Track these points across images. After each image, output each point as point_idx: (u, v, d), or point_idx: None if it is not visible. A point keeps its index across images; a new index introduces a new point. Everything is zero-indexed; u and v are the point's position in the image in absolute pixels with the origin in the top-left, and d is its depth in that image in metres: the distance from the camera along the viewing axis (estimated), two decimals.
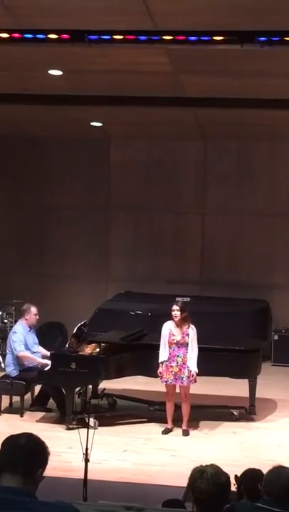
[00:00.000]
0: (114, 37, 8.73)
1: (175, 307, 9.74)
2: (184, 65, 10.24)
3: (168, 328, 9.73)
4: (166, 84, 11.13)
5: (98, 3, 8.07)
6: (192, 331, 9.67)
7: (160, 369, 9.67)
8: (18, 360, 10.39)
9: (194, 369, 9.58)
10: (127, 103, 12.20)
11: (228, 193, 15.42)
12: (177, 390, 9.82)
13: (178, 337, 9.66)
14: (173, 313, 9.69)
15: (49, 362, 10.08)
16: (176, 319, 9.68)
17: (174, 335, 9.68)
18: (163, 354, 9.67)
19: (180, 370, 9.63)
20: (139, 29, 8.70)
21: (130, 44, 8.91)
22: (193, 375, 9.59)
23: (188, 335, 9.65)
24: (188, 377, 9.60)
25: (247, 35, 8.49)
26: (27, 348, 10.49)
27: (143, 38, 8.74)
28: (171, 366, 9.65)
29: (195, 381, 9.67)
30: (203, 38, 8.58)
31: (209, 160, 15.53)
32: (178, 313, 9.67)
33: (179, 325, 9.70)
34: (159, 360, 9.67)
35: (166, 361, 9.66)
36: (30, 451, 2.83)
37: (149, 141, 15.54)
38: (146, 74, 10.68)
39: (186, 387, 9.71)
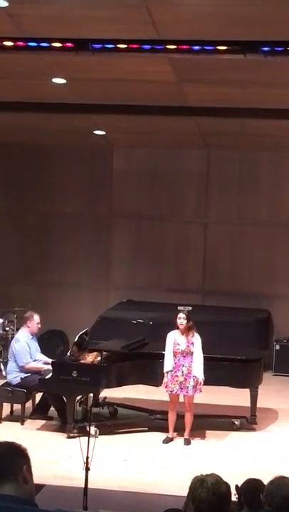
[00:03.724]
0: (117, 46, 8.76)
1: (181, 315, 9.73)
2: (187, 75, 10.26)
3: (172, 337, 9.72)
4: (170, 93, 11.15)
5: (102, 12, 8.09)
6: (196, 340, 9.66)
7: (165, 379, 9.64)
8: (23, 369, 10.38)
9: (201, 376, 9.56)
10: (130, 112, 12.23)
11: (230, 203, 15.43)
12: (181, 400, 9.80)
13: (182, 346, 9.65)
14: (179, 321, 9.68)
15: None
16: (181, 327, 9.66)
17: (178, 344, 9.66)
18: (168, 364, 9.64)
19: (185, 379, 9.60)
20: (143, 38, 8.72)
21: (134, 53, 8.94)
22: (200, 383, 9.57)
23: (192, 343, 9.64)
24: (194, 387, 9.58)
25: (250, 45, 8.52)
26: (30, 356, 10.49)
27: (146, 47, 8.77)
28: (177, 376, 9.63)
29: (200, 390, 9.66)
30: (206, 48, 8.61)
31: (211, 169, 15.54)
32: (184, 322, 9.65)
33: (183, 334, 9.68)
34: (164, 370, 9.64)
35: (172, 371, 9.63)
36: (4, 455, 2.80)
37: (151, 149, 15.56)
38: (150, 83, 10.71)
39: (191, 397, 9.69)
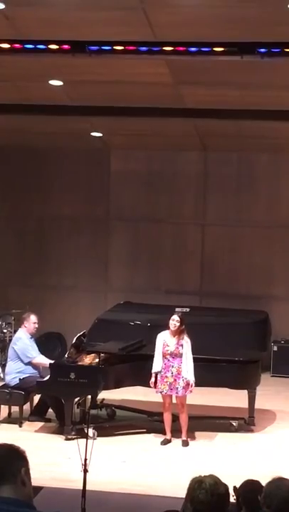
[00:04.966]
0: (114, 48, 8.77)
1: (175, 317, 9.73)
2: (184, 76, 10.27)
3: (162, 338, 9.73)
4: (167, 95, 11.16)
5: (99, 14, 8.10)
6: (186, 343, 9.65)
7: (152, 379, 9.64)
8: (30, 364, 10.38)
9: (192, 379, 9.56)
10: (128, 114, 12.23)
11: (228, 204, 15.44)
12: (174, 401, 9.79)
13: (172, 348, 9.64)
14: (172, 322, 9.67)
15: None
16: (173, 329, 9.65)
17: (168, 345, 9.66)
18: (157, 364, 9.65)
19: (175, 380, 9.60)
20: (140, 40, 8.74)
21: (131, 55, 8.95)
22: (191, 385, 9.56)
23: (182, 346, 9.64)
24: (184, 388, 9.57)
25: (247, 47, 8.53)
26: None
27: (143, 48, 8.78)
28: (166, 377, 9.63)
29: (191, 391, 9.65)
30: (203, 49, 8.62)
31: (209, 171, 15.55)
32: (177, 324, 9.65)
33: (173, 336, 9.68)
34: (153, 371, 9.64)
35: (161, 372, 9.64)
36: (2, 457, 2.80)
37: (149, 151, 15.56)
38: (147, 85, 10.72)
39: (182, 398, 9.68)
